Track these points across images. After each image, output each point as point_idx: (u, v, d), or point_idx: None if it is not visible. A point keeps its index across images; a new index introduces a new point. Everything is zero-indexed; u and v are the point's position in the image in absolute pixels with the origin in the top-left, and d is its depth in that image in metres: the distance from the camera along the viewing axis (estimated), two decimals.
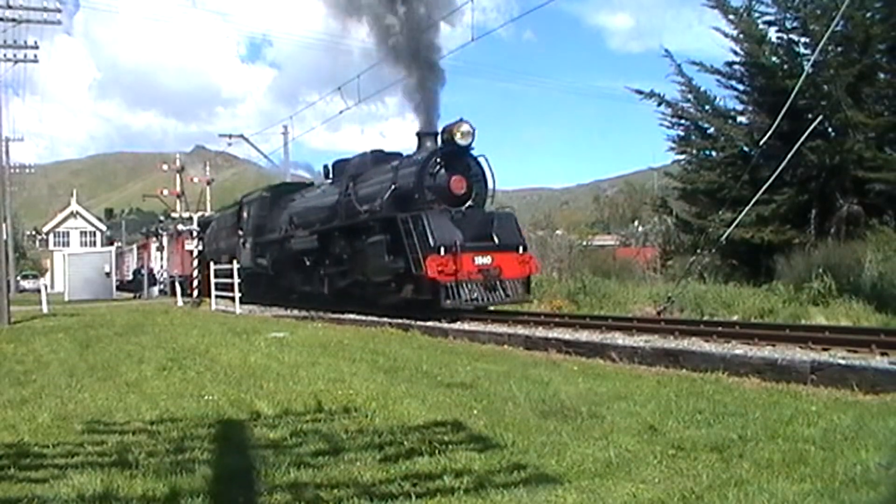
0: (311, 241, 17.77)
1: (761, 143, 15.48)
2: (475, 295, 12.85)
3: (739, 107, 22.87)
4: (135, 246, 50.64)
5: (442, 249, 12.75)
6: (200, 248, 28.72)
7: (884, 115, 18.65)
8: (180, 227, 36.94)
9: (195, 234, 32.61)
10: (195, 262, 28.58)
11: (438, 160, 14.20)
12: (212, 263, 24.30)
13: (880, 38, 18.50)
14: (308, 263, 18.20)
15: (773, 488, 3.29)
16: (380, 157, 16.90)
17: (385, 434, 4.53)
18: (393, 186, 14.62)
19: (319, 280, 17.69)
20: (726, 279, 17.65)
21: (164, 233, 41.51)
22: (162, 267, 40.32)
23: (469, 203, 14.13)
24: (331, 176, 18.83)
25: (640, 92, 23.37)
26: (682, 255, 22.41)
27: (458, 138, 14.00)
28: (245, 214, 23.16)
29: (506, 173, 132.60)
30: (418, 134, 15.17)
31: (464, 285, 12.72)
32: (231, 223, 24.72)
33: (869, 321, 11.42)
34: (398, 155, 16.33)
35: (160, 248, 41.56)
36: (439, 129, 14.70)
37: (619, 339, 8.82)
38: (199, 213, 34.87)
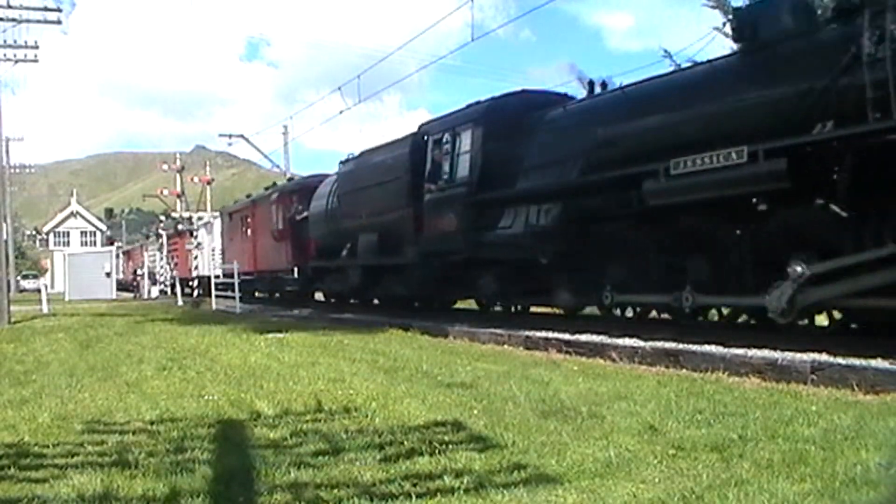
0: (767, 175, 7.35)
1: None
2: None
3: None
4: (163, 239, 38.89)
5: None
6: (280, 226, 20.37)
7: None
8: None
9: (194, 233, 32.50)
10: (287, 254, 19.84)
11: None
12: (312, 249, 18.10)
13: None
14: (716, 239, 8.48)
15: (773, 488, 3.29)
16: None
17: (385, 434, 4.53)
18: None
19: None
20: None
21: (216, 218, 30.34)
22: (209, 262, 29.77)
23: None
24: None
25: None
26: None
27: None
28: (436, 154, 12.61)
29: None
30: None
31: None
32: (395, 174, 13.86)
33: None
34: None
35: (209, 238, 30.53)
36: None
37: (620, 338, 8.80)
38: (199, 214, 34.81)
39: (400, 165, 13.71)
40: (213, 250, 29.45)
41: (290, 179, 27.59)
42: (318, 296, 21.58)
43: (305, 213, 18.82)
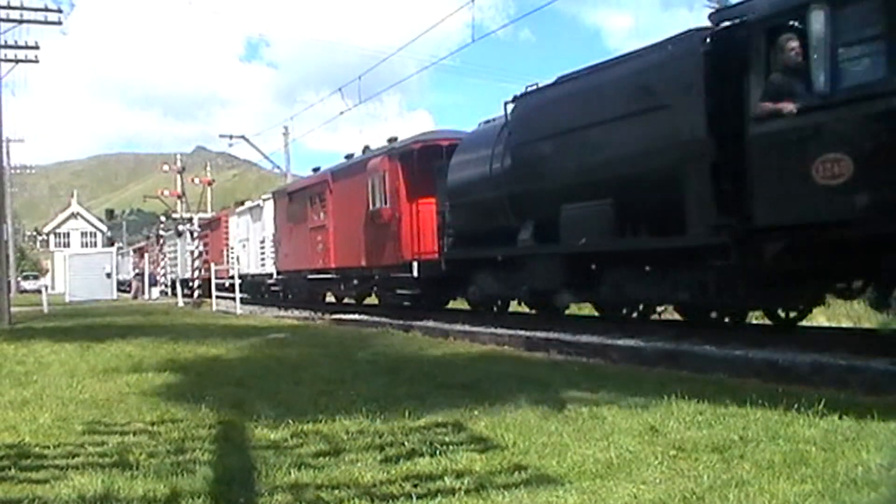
0: None
1: None
2: None
3: None
4: (189, 232, 31.50)
5: None
6: (388, 203, 14.40)
7: None
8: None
9: (195, 234, 32.37)
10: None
11: None
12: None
13: None
14: None
15: (773, 489, 3.29)
16: None
17: (386, 435, 4.53)
18: None
19: None
20: None
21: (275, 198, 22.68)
22: (256, 258, 23.82)
23: None
24: None
25: None
26: None
27: None
28: (789, 51, 7.27)
29: None
30: None
31: None
32: (660, 99, 8.52)
33: (870, 322, 11.42)
34: None
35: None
36: None
37: (620, 340, 8.81)
38: (199, 214, 34.63)
39: (674, 83, 8.32)
40: (260, 243, 23.27)
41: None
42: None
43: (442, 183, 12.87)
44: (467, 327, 11.63)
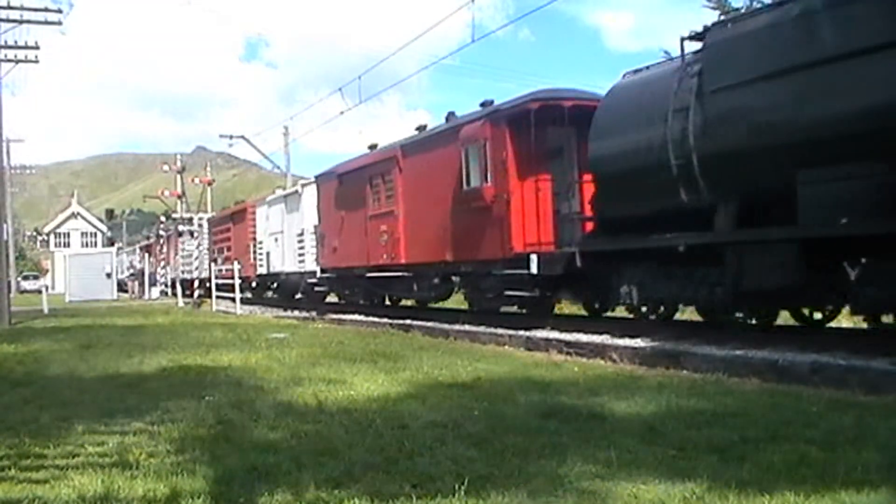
0: None
1: None
2: None
3: None
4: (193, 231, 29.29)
5: None
6: (491, 181, 11.22)
7: None
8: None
9: (194, 233, 32.25)
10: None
11: None
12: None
13: None
14: None
15: (773, 489, 3.28)
16: None
17: (386, 434, 4.53)
18: None
19: None
20: None
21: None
22: (292, 254, 20.61)
23: None
24: None
25: None
26: None
27: None
28: None
29: None
30: None
31: None
32: None
33: (870, 321, 11.38)
34: None
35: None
36: None
37: (620, 339, 8.81)
38: (199, 214, 34.51)
39: None
40: (298, 236, 20.08)
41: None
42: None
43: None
44: (467, 327, 11.62)
